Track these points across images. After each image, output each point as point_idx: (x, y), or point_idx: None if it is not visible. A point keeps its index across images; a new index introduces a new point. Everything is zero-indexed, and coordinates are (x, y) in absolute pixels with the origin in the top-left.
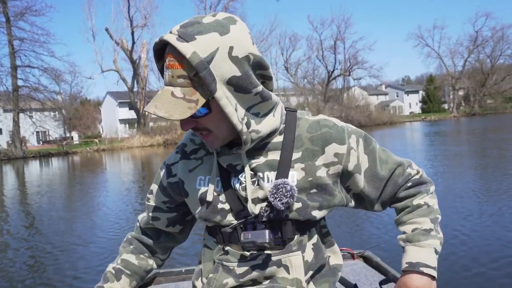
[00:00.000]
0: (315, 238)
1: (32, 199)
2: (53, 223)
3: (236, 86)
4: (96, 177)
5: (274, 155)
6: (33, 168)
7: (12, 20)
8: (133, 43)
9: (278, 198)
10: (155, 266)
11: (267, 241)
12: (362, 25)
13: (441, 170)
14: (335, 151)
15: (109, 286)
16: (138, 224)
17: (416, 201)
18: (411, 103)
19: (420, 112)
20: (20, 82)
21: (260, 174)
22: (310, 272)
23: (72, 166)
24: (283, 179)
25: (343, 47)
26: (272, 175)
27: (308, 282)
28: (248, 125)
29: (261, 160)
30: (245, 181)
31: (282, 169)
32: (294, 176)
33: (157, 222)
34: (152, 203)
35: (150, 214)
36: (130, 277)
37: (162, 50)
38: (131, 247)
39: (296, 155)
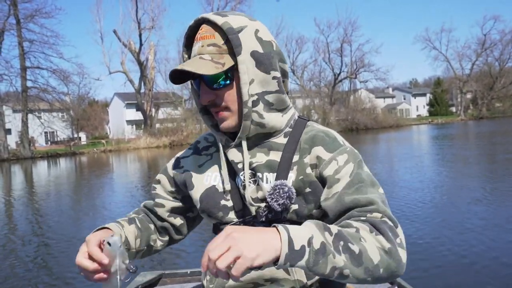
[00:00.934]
0: None
1: (40, 198)
2: (61, 221)
3: (258, 61)
4: (102, 177)
5: (275, 156)
6: (41, 168)
7: (22, 22)
8: (141, 45)
9: (275, 199)
10: (158, 244)
11: None
12: (369, 28)
13: (452, 174)
14: (318, 154)
15: (123, 222)
16: (142, 206)
17: (348, 222)
18: (419, 106)
19: (428, 115)
20: (29, 83)
21: (260, 174)
22: (317, 277)
23: (79, 167)
24: (281, 180)
25: (349, 50)
26: (271, 176)
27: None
28: (255, 104)
29: (262, 159)
30: (245, 180)
31: (281, 170)
32: (292, 177)
33: (160, 209)
34: (158, 191)
35: (156, 200)
36: (138, 230)
37: (191, 39)
38: (141, 215)
39: (296, 157)
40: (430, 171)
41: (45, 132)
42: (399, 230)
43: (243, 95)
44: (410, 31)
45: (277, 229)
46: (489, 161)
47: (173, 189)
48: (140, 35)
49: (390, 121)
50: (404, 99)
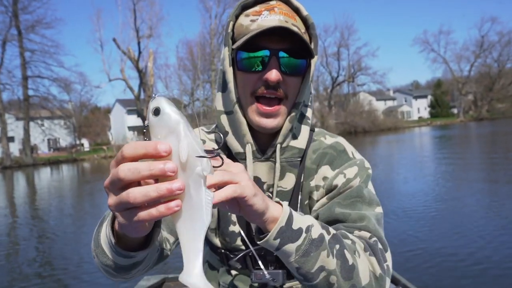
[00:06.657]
0: None
1: (41, 204)
2: (62, 228)
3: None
4: (101, 183)
5: (291, 180)
6: (42, 175)
7: (23, 33)
8: (140, 52)
9: None
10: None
11: (281, 283)
12: (366, 31)
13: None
14: (325, 174)
15: None
16: None
17: (344, 232)
18: (420, 108)
19: (429, 117)
20: (30, 92)
21: (279, 199)
22: None
23: (81, 173)
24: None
25: (347, 54)
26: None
27: None
28: (298, 114)
29: (287, 185)
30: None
31: (294, 199)
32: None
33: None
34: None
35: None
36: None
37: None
38: None
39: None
40: (427, 173)
41: (48, 139)
42: (388, 255)
43: (301, 91)
44: (410, 34)
45: (280, 203)
46: (486, 165)
47: None
48: (138, 43)
49: (388, 123)
50: (405, 101)
